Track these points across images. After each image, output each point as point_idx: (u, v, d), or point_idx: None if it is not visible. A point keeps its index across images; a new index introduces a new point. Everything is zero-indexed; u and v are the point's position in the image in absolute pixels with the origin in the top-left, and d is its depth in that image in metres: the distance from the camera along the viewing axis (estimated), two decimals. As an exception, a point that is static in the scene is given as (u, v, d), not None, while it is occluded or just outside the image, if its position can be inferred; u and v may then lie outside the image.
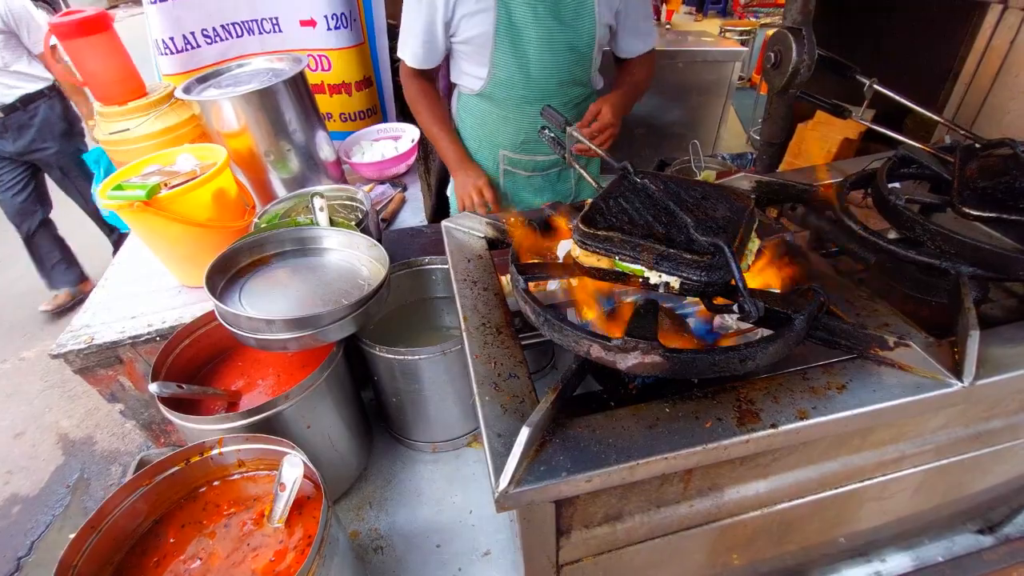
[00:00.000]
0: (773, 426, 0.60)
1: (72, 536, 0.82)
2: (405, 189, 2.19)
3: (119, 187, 1.40)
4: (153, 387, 1.02)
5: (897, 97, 1.02)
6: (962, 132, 0.93)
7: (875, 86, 1.05)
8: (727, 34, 6.71)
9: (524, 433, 0.56)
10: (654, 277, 0.68)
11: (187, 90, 1.74)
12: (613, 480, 0.58)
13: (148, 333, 1.54)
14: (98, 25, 1.66)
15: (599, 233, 0.69)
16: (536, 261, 0.83)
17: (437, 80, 1.92)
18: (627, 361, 0.61)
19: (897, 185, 1.04)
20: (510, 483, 0.55)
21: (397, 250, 1.62)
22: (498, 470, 0.56)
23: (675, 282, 0.67)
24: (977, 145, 0.90)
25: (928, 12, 1.51)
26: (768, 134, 1.42)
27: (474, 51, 1.58)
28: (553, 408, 0.61)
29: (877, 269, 0.99)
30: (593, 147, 0.94)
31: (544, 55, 1.55)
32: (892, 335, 0.67)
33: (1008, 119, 1.26)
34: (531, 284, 0.76)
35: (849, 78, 1.12)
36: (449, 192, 2.06)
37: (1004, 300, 0.97)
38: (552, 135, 0.97)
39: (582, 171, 0.90)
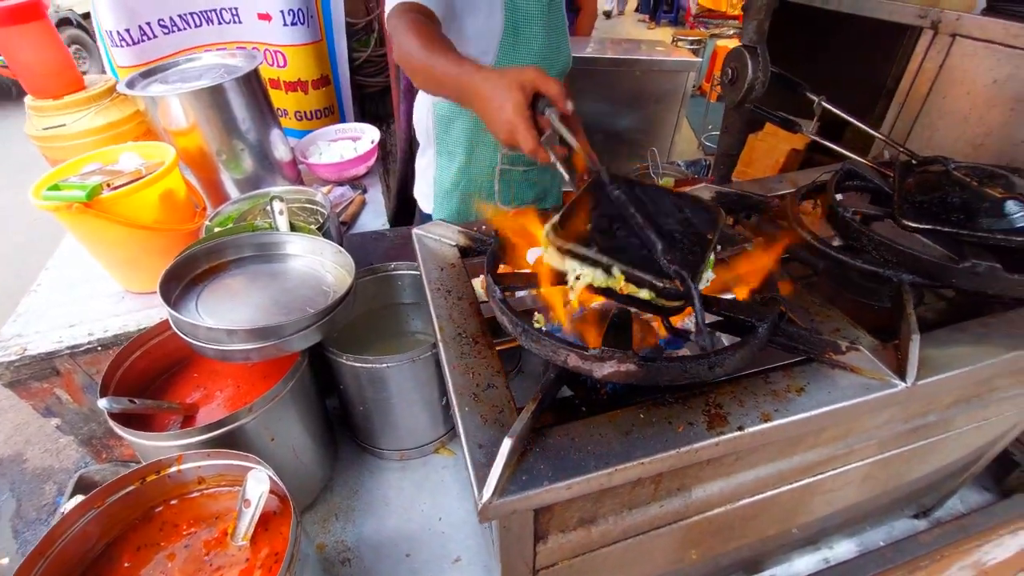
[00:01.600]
0: (740, 428, 0.63)
1: (15, 567, 0.76)
2: (365, 191, 2.15)
3: (55, 187, 1.31)
4: (103, 402, 0.96)
5: (843, 115, 1.09)
6: (900, 149, 1.00)
7: (823, 103, 1.12)
8: (679, 43, 6.93)
9: (506, 444, 0.57)
10: (620, 291, 0.70)
11: (130, 84, 1.65)
12: (593, 486, 0.60)
13: (88, 343, 1.46)
14: (30, 13, 1.55)
15: (570, 243, 0.70)
16: (511, 271, 0.84)
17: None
18: (603, 370, 0.63)
19: (839, 196, 1.11)
20: (493, 494, 0.55)
21: (360, 255, 1.58)
22: (481, 481, 0.56)
23: (644, 295, 0.69)
24: (914, 161, 0.98)
25: (866, 33, 1.62)
26: (725, 145, 1.49)
27: (482, 43, 1.50)
28: (533, 419, 0.62)
29: (825, 275, 1.06)
30: (569, 138, 0.89)
31: (548, 47, 1.56)
32: (844, 340, 0.72)
33: (938, 136, 1.37)
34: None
35: (798, 94, 1.19)
36: (418, 194, 2.00)
37: (935, 304, 1.06)
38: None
39: (555, 159, 0.87)
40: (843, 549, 1.20)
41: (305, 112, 2.52)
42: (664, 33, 7.78)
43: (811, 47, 1.85)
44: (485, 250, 0.90)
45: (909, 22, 1.35)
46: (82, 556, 0.85)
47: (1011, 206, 0.84)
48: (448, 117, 1.69)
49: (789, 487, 0.87)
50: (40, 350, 1.43)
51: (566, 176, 0.87)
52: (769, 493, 0.86)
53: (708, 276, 0.77)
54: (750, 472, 0.81)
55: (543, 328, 0.68)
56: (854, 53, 1.71)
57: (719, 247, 0.86)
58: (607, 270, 0.69)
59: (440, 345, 0.75)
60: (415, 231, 1.00)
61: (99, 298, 1.60)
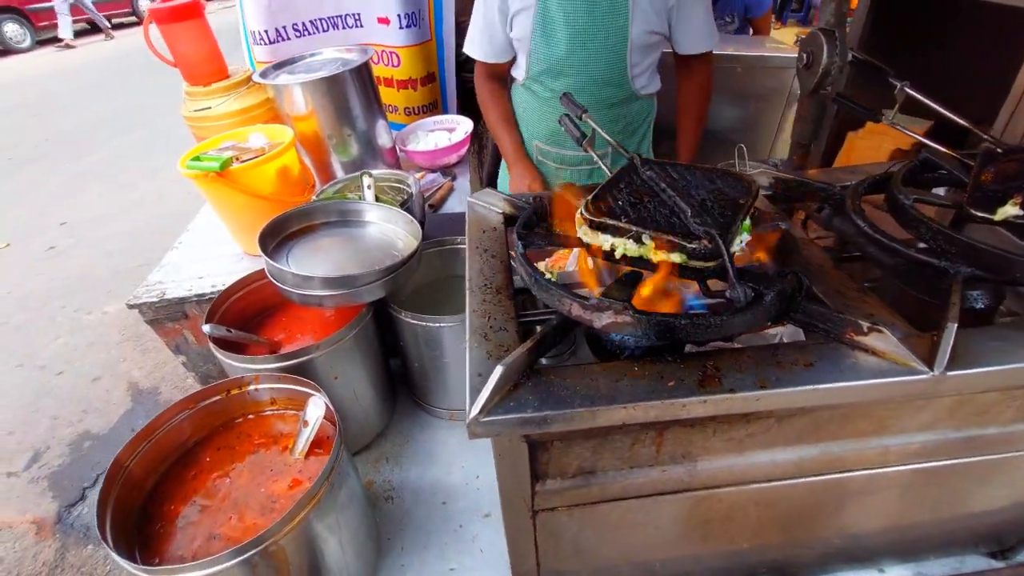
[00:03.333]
0: (731, 391, 0.64)
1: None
2: (454, 179, 2.30)
3: (197, 159, 1.58)
4: (206, 327, 1.16)
5: (925, 99, 1.01)
6: (986, 137, 0.92)
7: (906, 89, 1.05)
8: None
9: (498, 371, 0.64)
10: (654, 258, 0.73)
11: (263, 75, 1.93)
12: (576, 423, 0.64)
13: (211, 292, 1.71)
14: (190, 12, 1.87)
15: (604, 216, 0.74)
16: (541, 232, 0.90)
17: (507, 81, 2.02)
18: (602, 320, 0.67)
19: (923, 190, 1.03)
20: (480, 411, 0.62)
21: (438, 231, 1.72)
22: (472, 400, 0.63)
23: (677, 257, 0.71)
24: (999, 150, 0.89)
25: (988, 21, 1.45)
26: (798, 134, 1.41)
27: (521, 46, 1.67)
28: (529, 355, 0.67)
29: (894, 273, 0.99)
30: (607, 137, 0.99)
31: (574, 54, 1.62)
32: (867, 321, 0.69)
33: (1062, 133, 1.21)
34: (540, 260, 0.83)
35: (883, 80, 1.11)
36: (500, 187, 2.16)
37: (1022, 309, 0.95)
38: (570, 120, 1.03)
39: (597, 158, 0.96)
40: (897, 574, 1.10)
41: (413, 108, 2.73)
42: (789, 33, 7.30)
43: (931, 41, 1.69)
44: (526, 217, 0.97)
45: (1034, 6, 1.20)
46: (176, 447, 1.05)
47: (1105, 199, 0.75)
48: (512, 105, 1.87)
49: (813, 480, 0.84)
50: (175, 295, 1.71)
51: (606, 171, 0.94)
52: (791, 482, 0.84)
53: (743, 238, 0.78)
54: (764, 453, 0.79)
55: (552, 279, 0.73)
56: (977, 48, 1.53)
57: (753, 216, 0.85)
58: (638, 239, 0.73)
59: (467, 293, 0.83)
60: (468, 198, 1.09)
61: (224, 257, 1.88)
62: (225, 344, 1.20)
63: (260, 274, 1.36)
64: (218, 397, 1.08)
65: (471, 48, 1.83)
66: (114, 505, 0.90)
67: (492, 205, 1.05)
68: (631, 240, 0.71)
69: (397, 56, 2.56)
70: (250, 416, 1.13)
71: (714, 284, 0.77)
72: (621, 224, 0.72)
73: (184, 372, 2.17)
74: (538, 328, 0.73)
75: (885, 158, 1.74)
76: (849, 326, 0.70)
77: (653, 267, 0.74)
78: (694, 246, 0.67)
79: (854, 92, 1.16)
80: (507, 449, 0.70)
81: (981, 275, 0.76)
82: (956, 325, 0.67)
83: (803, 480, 0.83)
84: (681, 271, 0.73)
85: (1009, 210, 0.78)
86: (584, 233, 0.76)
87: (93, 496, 2.68)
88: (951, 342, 0.66)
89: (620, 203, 0.76)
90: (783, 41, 3.64)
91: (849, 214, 0.94)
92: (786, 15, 8.38)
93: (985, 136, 0.92)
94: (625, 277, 0.74)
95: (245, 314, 1.37)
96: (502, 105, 1.92)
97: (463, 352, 1.31)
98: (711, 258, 0.68)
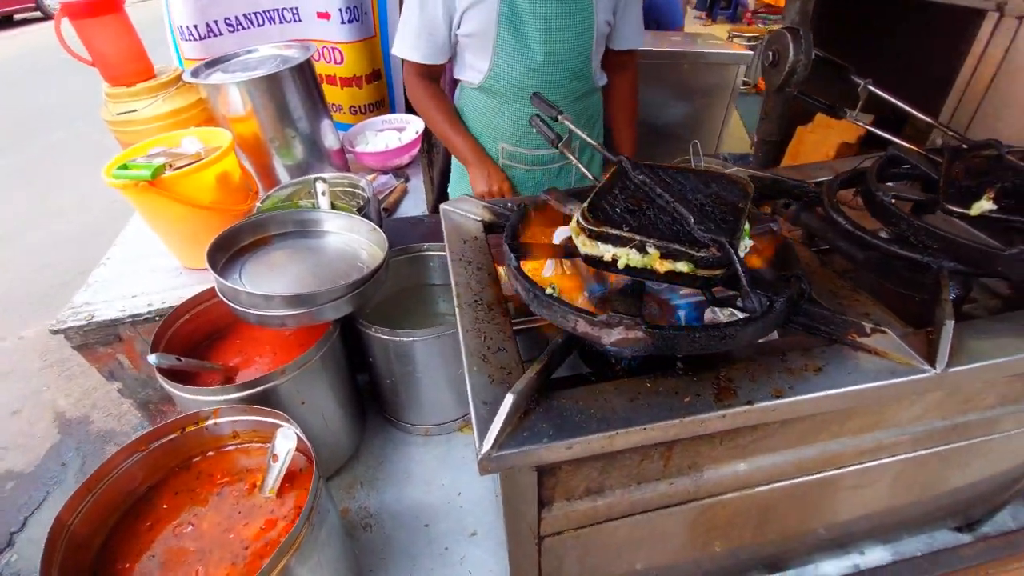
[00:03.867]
0: (749, 403, 0.62)
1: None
2: (407, 180, 2.22)
3: (124, 167, 1.42)
4: (152, 358, 1.04)
5: (889, 98, 1.04)
6: (950, 133, 0.95)
7: (869, 87, 1.07)
8: (735, 39, 6.73)
9: (508, 399, 0.59)
10: (660, 268, 0.69)
11: (195, 74, 1.77)
12: (593, 448, 0.60)
13: (148, 312, 1.56)
14: (108, 6, 1.68)
15: (604, 230, 0.70)
16: (530, 242, 0.85)
17: (442, 78, 1.93)
18: (611, 336, 0.63)
19: (890, 184, 1.06)
20: (493, 446, 0.57)
21: (398, 237, 1.64)
22: (482, 434, 0.58)
23: (683, 267, 0.68)
24: (964, 146, 0.92)
25: (930, 19, 1.53)
26: (765, 131, 1.44)
27: (477, 43, 1.59)
28: (538, 378, 0.63)
29: (867, 267, 1.01)
30: (585, 137, 0.95)
31: (546, 44, 1.57)
32: (869, 322, 0.69)
33: (1001, 126, 1.28)
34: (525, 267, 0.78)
35: (850, 83, 1.14)
36: (451, 189, 2.07)
37: (988, 301, 0.99)
38: (543, 121, 0.98)
39: (576, 161, 0.92)
40: (875, 556, 1.14)
41: (359, 106, 2.60)
42: (721, 30, 7.58)
43: (874, 37, 1.77)
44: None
45: (972, 4, 1.27)
46: (126, 495, 0.93)
47: (1070, 192, 0.78)
48: (461, 110, 1.82)
49: (812, 478, 0.84)
50: (106, 317, 1.55)
51: (587, 174, 0.91)
52: (789, 482, 0.84)
53: (747, 243, 0.76)
54: (767, 457, 0.79)
55: (554, 295, 0.69)
56: (914, 42, 1.62)
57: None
58: (641, 248, 0.69)
59: (457, 311, 0.77)
60: (443, 206, 1.03)
61: (160, 272, 1.72)
62: (175, 375, 1.08)
63: (209, 293, 1.23)
64: (173, 436, 0.97)
65: (404, 49, 1.66)
66: (59, 571, 0.78)
67: (469, 212, 0.99)
68: (634, 250, 0.68)
69: (340, 52, 2.43)
70: (210, 453, 1.02)
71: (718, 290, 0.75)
72: (624, 233, 0.68)
73: (119, 398, 1.97)
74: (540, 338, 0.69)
75: (832, 151, 1.82)
76: (852, 328, 0.70)
77: (657, 277, 0.70)
78: (703, 255, 0.65)
79: (806, 87, 1.17)
80: (515, 478, 0.66)
81: (962, 269, 0.78)
82: (953, 322, 0.68)
83: (801, 479, 0.84)
84: (685, 280, 0.70)
85: (984, 205, 0.80)
86: (583, 243, 0.72)
87: (22, 541, 2.41)
88: (950, 340, 0.67)
89: (619, 210, 0.72)
90: (718, 36, 3.76)
91: (827, 210, 0.95)
92: (716, 12, 8.70)
93: (951, 131, 0.95)
94: (628, 288, 0.71)
95: (194, 338, 1.25)
96: (446, 104, 1.79)
97: (437, 366, 1.26)
98: (719, 266, 0.66)
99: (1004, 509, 1.16)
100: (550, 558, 0.81)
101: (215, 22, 2.14)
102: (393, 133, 2.32)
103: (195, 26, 2.08)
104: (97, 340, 1.61)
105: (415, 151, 2.29)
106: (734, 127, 3.17)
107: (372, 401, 1.44)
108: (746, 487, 0.81)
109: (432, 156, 3.03)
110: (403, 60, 1.71)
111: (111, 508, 0.90)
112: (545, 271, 1.24)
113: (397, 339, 1.16)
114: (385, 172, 2.23)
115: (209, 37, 2.15)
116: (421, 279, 1.47)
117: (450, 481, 1.27)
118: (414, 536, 1.17)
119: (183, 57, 2.17)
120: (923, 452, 0.87)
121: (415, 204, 2.11)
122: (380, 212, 1.84)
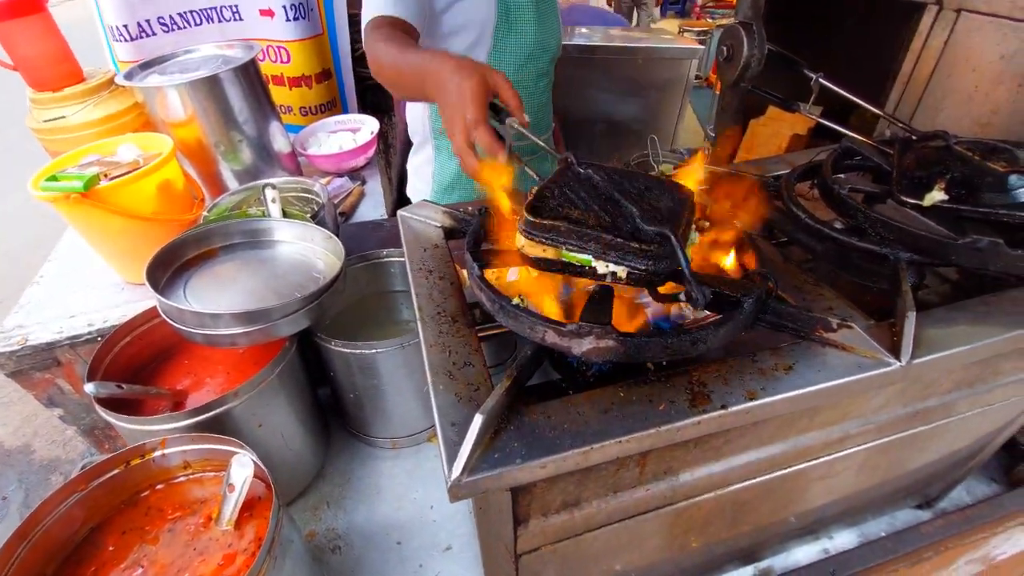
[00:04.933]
0: (723, 407, 0.61)
1: (-1, 546, 0.76)
2: (364, 183, 2.15)
3: (53, 178, 1.32)
4: (89, 387, 0.96)
5: (841, 91, 1.06)
6: (899, 125, 0.97)
7: (821, 80, 1.09)
8: (685, 34, 6.86)
9: (478, 420, 0.56)
10: (601, 267, 0.68)
11: (129, 76, 1.66)
12: (568, 465, 0.58)
13: (88, 333, 1.46)
14: (29, 6, 1.56)
15: (545, 223, 0.68)
16: (492, 248, 0.82)
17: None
18: (582, 346, 0.61)
19: (837, 176, 1.08)
20: (463, 471, 0.54)
21: (356, 244, 1.58)
22: (451, 459, 0.55)
23: (622, 271, 0.67)
24: (914, 137, 0.95)
25: (875, 12, 1.58)
26: (720, 126, 1.46)
27: (471, 37, 1.50)
28: (508, 395, 0.60)
29: (824, 258, 1.03)
30: (534, 139, 0.91)
31: (540, 34, 1.54)
32: (835, 318, 0.69)
33: (942, 117, 1.33)
34: (487, 273, 0.75)
35: (799, 76, 1.16)
36: (412, 192, 2.01)
37: (938, 287, 1.02)
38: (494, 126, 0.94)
39: (526, 166, 0.89)
40: (843, 539, 1.16)
41: (309, 107, 2.51)
42: (670, 24, 7.70)
43: (821, 30, 1.81)
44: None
45: (913, -2, 1.31)
46: (65, 540, 0.85)
47: (1014, 180, 0.81)
48: (436, 113, 1.69)
49: (783, 472, 0.85)
50: (41, 340, 1.43)
51: (535, 176, 0.87)
52: (762, 478, 0.84)
53: (692, 237, 0.75)
54: (741, 456, 0.78)
55: (521, 305, 0.66)
56: (858, 35, 1.67)
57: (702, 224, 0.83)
58: (584, 248, 0.67)
59: (419, 324, 0.74)
60: (400, 212, 0.98)
61: (100, 289, 1.60)
62: (117, 403, 1.00)
63: (152, 312, 1.15)
64: (116, 471, 0.89)
65: (379, 4, 1.29)
66: (-12, 633, 0.71)
67: (429, 219, 0.95)
68: (576, 249, 0.66)
69: (286, 51, 2.34)
70: (159, 486, 0.95)
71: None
72: (567, 228, 0.65)
73: (62, 425, 1.85)
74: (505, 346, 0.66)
75: (785, 143, 1.86)
76: (819, 323, 0.70)
77: (599, 275, 0.68)
78: (647, 248, 0.63)
79: (758, 81, 1.19)
80: (488, 501, 0.63)
81: (919, 259, 0.80)
82: (915, 313, 0.69)
83: (775, 474, 0.84)
84: (630, 277, 0.68)
85: (936, 195, 0.82)
86: (521, 243, 0.70)
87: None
88: (912, 332, 0.68)
89: (561, 208, 0.69)
90: (668, 31, 3.81)
91: (787, 203, 0.96)
92: (666, 7, 8.84)
93: (900, 123, 0.97)
94: (597, 295, 0.68)
95: (137, 361, 1.16)
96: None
97: (403, 377, 1.22)
98: (664, 260, 0.64)
99: (959, 485, 1.21)
100: (528, 574, 0.78)
101: (147, 21, 2.02)
102: (347, 134, 2.24)
103: (125, 26, 1.96)
104: (32, 365, 1.49)
105: (371, 152, 2.22)
106: (688, 120, 3.21)
107: (336, 416, 1.39)
108: (721, 487, 0.81)
109: (390, 157, 2.96)
110: (368, 24, 1.32)
111: (48, 556, 0.82)
112: (510, 275, 1.21)
113: (359, 352, 1.11)
114: (340, 175, 2.15)
115: (141, 37, 2.03)
116: (382, 286, 1.41)
117: (421, 495, 1.23)
118: (386, 555, 1.13)
119: (117, 59, 2.04)
120: (886, 439, 0.88)
121: (374, 207, 2.04)
122: (336, 217, 1.77)
